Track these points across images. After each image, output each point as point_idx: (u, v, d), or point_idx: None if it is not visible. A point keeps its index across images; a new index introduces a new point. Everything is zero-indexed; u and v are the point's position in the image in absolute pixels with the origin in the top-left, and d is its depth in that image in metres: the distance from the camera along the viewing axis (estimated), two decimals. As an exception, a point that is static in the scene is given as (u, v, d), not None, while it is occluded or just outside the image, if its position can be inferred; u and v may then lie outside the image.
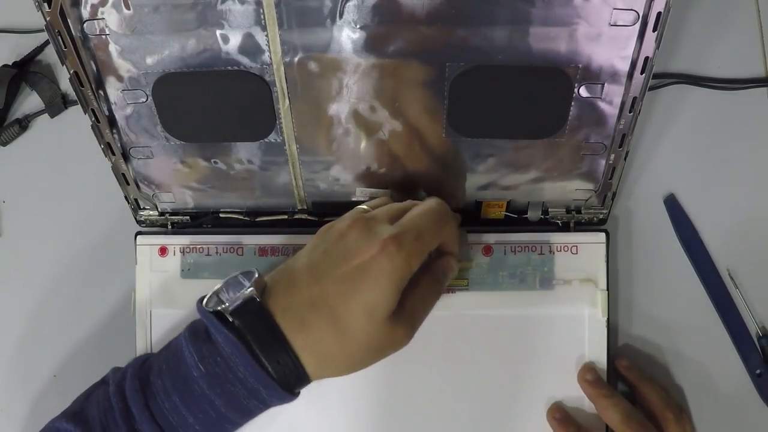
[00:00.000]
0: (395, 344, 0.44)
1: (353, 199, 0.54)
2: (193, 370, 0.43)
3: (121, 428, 0.43)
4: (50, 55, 0.63)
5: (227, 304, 0.43)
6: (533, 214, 0.55)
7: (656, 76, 0.60)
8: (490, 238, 0.54)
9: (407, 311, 0.44)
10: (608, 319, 0.53)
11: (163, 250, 0.55)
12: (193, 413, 0.43)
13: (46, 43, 0.63)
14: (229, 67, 0.47)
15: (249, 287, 0.43)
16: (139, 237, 0.55)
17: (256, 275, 0.44)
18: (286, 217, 0.56)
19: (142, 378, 0.45)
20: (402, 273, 0.42)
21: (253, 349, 0.42)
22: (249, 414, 0.44)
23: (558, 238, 0.54)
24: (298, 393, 0.45)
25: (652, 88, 0.59)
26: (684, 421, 0.51)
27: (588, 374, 0.52)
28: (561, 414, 0.52)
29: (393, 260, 0.42)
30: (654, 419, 0.51)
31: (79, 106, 0.49)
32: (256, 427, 0.46)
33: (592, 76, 0.46)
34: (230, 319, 0.43)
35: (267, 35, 0.45)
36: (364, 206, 0.47)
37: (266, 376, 0.42)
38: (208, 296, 0.44)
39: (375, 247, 0.42)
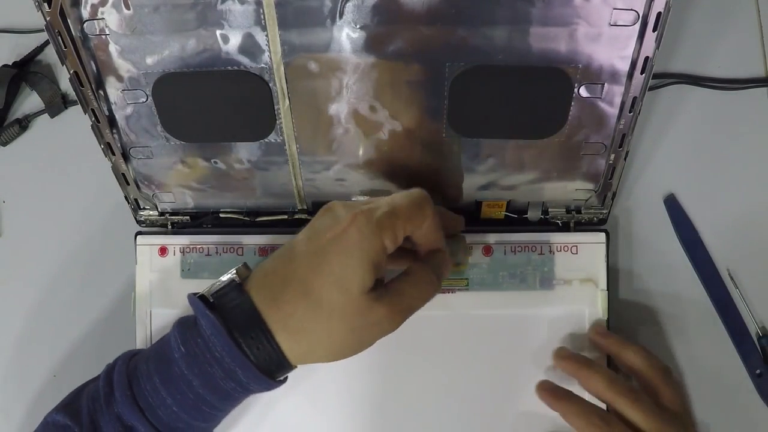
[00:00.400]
0: (377, 325, 0.43)
1: (353, 199, 0.54)
2: (175, 352, 0.43)
3: (105, 413, 0.43)
4: (50, 55, 0.63)
5: (210, 287, 0.44)
6: (533, 214, 0.55)
7: (656, 76, 0.60)
8: (490, 238, 0.54)
9: (392, 293, 0.43)
10: (608, 319, 0.53)
11: (163, 250, 0.55)
12: (172, 394, 0.43)
13: (46, 43, 0.63)
14: (229, 67, 0.47)
15: (232, 271, 0.44)
16: (139, 237, 0.55)
17: (242, 263, 0.44)
18: (286, 217, 0.56)
19: (131, 365, 0.45)
20: (373, 246, 0.41)
21: (232, 332, 0.42)
22: (227, 397, 0.44)
23: (558, 238, 0.54)
24: (282, 380, 0.45)
25: (652, 88, 0.59)
26: (674, 380, 0.50)
27: (562, 352, 0.52)
28: (549, 385, 0.52)
29: (362, 231, 0.41)
30: (643, 383, 0.50)
31: (79, 106, 0.49)
32: (251, 423, 0.46)
33: (592, 76, 0.46)
34: (211, 300, 0.44)
35: (267, 35, 0.45)
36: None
37: (242, 357, 0.42)
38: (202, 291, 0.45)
39: (346, 220, 0.42)
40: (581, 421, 0.48)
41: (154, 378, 0.43)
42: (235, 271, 0.44)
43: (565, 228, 0.56)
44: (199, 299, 0.44)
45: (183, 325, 0.45)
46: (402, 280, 0.44)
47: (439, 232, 0.46)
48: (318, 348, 0.43)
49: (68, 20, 0.44)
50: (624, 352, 0.51)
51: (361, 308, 0.42)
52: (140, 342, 0.54)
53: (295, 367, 0.44)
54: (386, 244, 0.42)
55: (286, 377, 0.45)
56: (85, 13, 0.45)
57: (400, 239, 0.43)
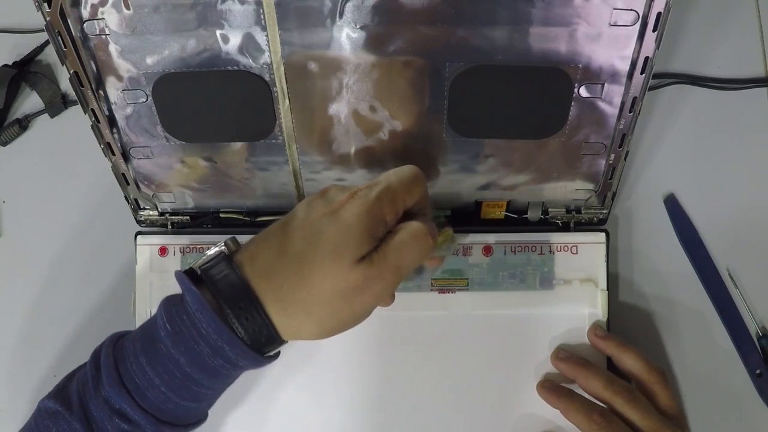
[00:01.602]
0: (368, 290, 0.41)
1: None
2: (161, 330, 0.42)
3: (93, 397, 0.42)
4: (50, 55, 0.63)
5: (199, 261, 0.43)
6: (533, 214, 0.55)
7: (656, 76, 0.60)
8: (490, 238, 0.54)
9: (380, 252, 0.41)
10: (608, 319, 0.53)
11: (163, 250, 0.55)
12: (159, 374, 0.42)
13: (46, 43, 0.63)
14: (229, 67, 0.47)
15: (220, 244, 0.42)
16: (139, 237, 0.55)
17: (232, 237, 0.43)
18: (286, 217, 0.56)
19: (117, 346, 0.44)
20: (372, 215, 0.40)
21: (221, 305, 0.41)
22: (216, 375, 0.42)
23: (558, 238, 0.54)
24: (271, 357, 0.43)
25: (652, 88, 0.59)
26: (670, 384, 0.50)
27: (560, 353, 0.52)
28: (550, 383, 0.52)
29: (362, 202, 0.40)
30: (640, 385, 0.50)
31: (79, 106, 0.49)
32: (251, 417, 0.46)
33: (592, 76, 0.46)
34: (199, 273, 0.42)
35: (267, 35, 0.45)
36: None
37: (229, 332, 0.40)
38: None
39: (345, 196, 0.41)
40: (582, 418, 0.48)
41: (140, 358, 0.42)
42: (223, 243, 0.42)
43: (565, 228, 0.56)
44: (185, 274, 0.42)
45: (169, 302, 0.43)
46: (389, 237, 0.42)
47: (428, 200, 0.45)
48: (309, 319, 0.41)
49: (68, 20, 0.44)
50: (621, 355, 0.51)
51: (352, 273, 0.40)
52: (140, 342, 0.54)
53: (286, 341, 0.42)
54: (385, 215, 0.41)
55: (278, 353, 0.44)
56: (85, 13, 0.45)
57: (400, 211, 0.42)
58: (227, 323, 0.41)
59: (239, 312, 0.41)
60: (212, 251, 0.43)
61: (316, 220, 0.41)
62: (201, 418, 0.46)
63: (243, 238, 0.54)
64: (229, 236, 0.44)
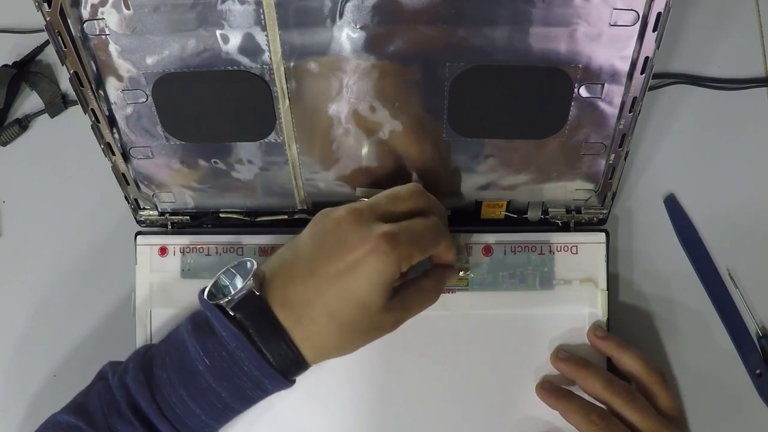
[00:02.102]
0: (384, 330, 0.47)
1: (357, 193, 0.54)
2: (199, 364, 0.44)
3: (129, 420, 0.44)
4: (50, 55, 0.63)
5: (229, 297, 0.44)
6: (533, 214, 0.55)
7: (656, 76, 0.60)
8: (490, 238, 0.54)
9: (401, 304, 0.47)
10: (608, 319, 0.53)
11: (163, 250, 0.55)
12: (200, 405, 0.45)
13: (46, 43, 0.63)
14: (229, 67, 0.47)
15: (249, 280, 0.44)
16: (139, 237, 0.55)
17: (255, 267, 0.45)
18: (286, 217, 0.56)
19: (146, 370, 0.46)
20: (392, 272, 0.44)
21: (255, 341, 0.44)
22: (251, 402, 0.46)
23: (558, 238, 0.54)
24: (295, 380, 0.47)
25: (652, 88, 0.59)
26: (669, 384, 0.50)
27: (560, 354, 0.52)
28: (549, 385, 0.52)
29: (384, 260, 0.43)
30: (640, 386, 0.50)
31: (79, 106, 0.49)
32: (253, 419, 0.48)
33: (592, 76, 0.46)
34: (232, 314, 0.44)
35: (267, 35, 0.45)
36: (363, 199, 0.48)
37: (270, 369, 0.44)
38: (208, 288, 0.46)
39: (369, 243, 0.43)
40: (581, 419, 0.48)
41: (179, 390, 0.45)
42: (251, 280, 0.44)
43: (565, 228, 0.56)
44: (217, 308, 0.44)
45: (198, 329, 0.45)
46: (410, 292, 0.47)
47: (454, 252, 0.49)
48: (334, 353, 0.46)
49: (68, 20, 0.44)
50: (621, 356, 0.51)
51: (376, 320, 0.45)
52: (140, 342, 0.54)
53: (311, 365, 0.46)
54: (403, 269, 0.44)
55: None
56: (85, 13, 0.45)
57: (414, 262, 0.45)
58: (266, 359, 0.44)
59: (277, 356, 0.44)
60: (241, 286, 0.44)
61: (342, 269, 0.43)
62: None
63: (244, 238, 0.54)
64: (249, 263, 0.46)
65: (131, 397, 0.45)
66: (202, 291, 0.46)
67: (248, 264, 0.46)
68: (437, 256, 0.49)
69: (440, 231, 0.47)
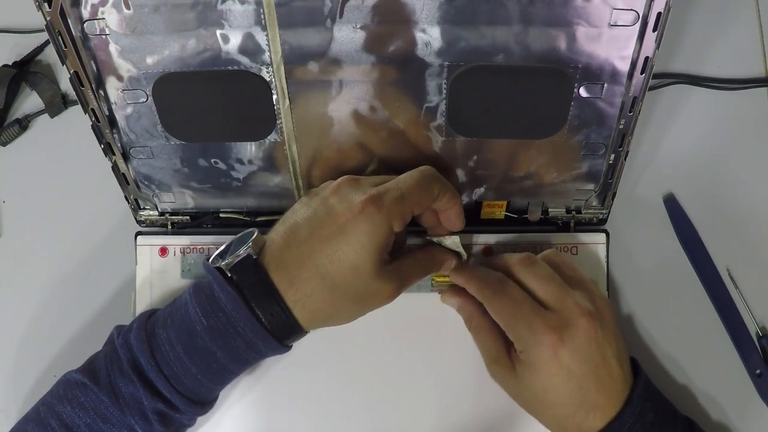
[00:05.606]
0: (378, 300, 0.47)
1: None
2: (197, 324, 0.45)
3: (129, 377, 0.46)
4: (50, 55, 0.63)
5: (227, 260, 0.46)
6: (533, 214, 0.55)
7: (656, 76, 0.60)
8: (490, 238, 0.54)
9: (396, 273, 0.47)
10: (608, 319, 0.53)
11: (163, 251, 0.55)
12: (196, 363, 0.46)
13: (46, 43, 0.63)
14: (229, 67, 0.47)
15: (248, 245, 0.46)
16: (139, 237, 0.55)
17: (256, 234, 0.47)
18: (286, 217, 0.56)
19: (149, 330, 0.47)
20: (383, 233, 0.44)
21: (250, 303, 0.45)
22: (246, 364, 0.48)
23: (558, 238, 0.54)
24: (291, 345, 0.48)
25: (652, 88, 0.59)
26: (562, 256, 0.50)
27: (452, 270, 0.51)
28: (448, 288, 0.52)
29: (372, 221, 0.44)
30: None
31: (79, 106, 0.49)
32: (246, 412, 0.50)
33: (592, 76, 0.46)
34: (230, 275, 0.45)
35: (267, 35, 0.45)
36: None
37: (264, 331, 0.45)
38: (213, 255, 0.47)
39: (356, 207, 0.44)
40: (478, 285, 0.48)
41: (176, 348, 0.46)
42: (251, 244, 0.46)
43: (565, 228, 0.56)
44: (217, 270, 0.45)
45: (199, 293, 0.46)
46: (403, 262, 0.48)
47: (451, 197, 0.48)
48: (329, 318, 0.47)
49: (68, 20, 0.44)
50: (490, 263, 0.50)
51: (372, 285, 0.45)
52: (140, 342, 0.54)
53: (308, 332, 0.47)
54: (394, 227, 0.45)
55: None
56: (86, 13, 0.45)
57: (407, 220, 0.46)
58: (260, 321, 0.45)
59: (270, 317, 0.45)
60: (241, 251, 0.46)
61: (332, 233, 0.44)
62: (217, 396, 0.50)
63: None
64: (252, 232, 0.47)
65: (132, 355, 0.46)
66: (207, 257, 0.47)
67: (253, 233, 0.47)
68: (439, 208, 0.48)
69: (431, 179, 0.47)
